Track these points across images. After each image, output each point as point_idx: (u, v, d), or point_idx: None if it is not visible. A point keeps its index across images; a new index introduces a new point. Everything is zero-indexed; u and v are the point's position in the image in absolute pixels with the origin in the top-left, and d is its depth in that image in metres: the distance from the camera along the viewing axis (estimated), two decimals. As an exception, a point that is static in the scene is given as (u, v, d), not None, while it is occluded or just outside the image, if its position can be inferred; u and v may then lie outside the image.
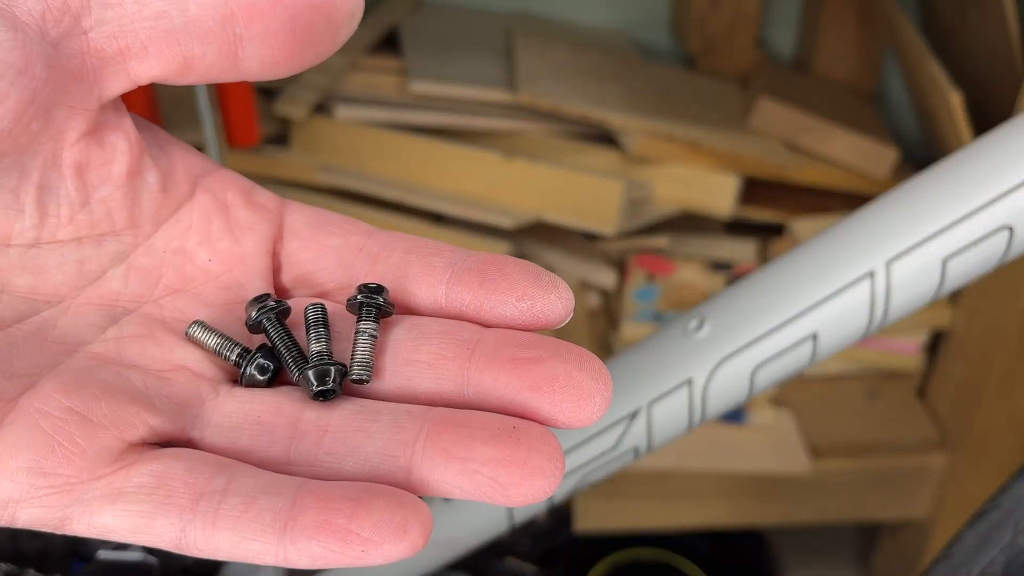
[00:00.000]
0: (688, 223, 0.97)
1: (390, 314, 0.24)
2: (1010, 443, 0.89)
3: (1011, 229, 0.35)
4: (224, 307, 0.24)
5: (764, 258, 0.96)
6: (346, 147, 0.90)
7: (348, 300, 0.24)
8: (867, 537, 1.09)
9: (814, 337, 0.38)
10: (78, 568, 0.49)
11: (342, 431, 0.21)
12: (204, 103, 0.70)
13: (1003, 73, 0.82)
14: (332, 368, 0.22)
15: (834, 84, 1.06)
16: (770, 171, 0.93)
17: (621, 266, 0.94)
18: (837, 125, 0.94)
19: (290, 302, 0.25)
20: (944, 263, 0.36)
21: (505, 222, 0.87)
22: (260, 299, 0.24)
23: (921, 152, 1.04)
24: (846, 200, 0.96)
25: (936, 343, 0.93)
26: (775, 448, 0.87)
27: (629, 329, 0.88)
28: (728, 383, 0.40)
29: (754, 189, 0.96)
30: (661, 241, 0.95)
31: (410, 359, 0.23)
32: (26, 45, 0.20)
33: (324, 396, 0.22)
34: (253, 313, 0.23)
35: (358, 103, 0.90)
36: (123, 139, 0.23)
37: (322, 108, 0.90)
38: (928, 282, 0.37)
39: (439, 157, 0.89)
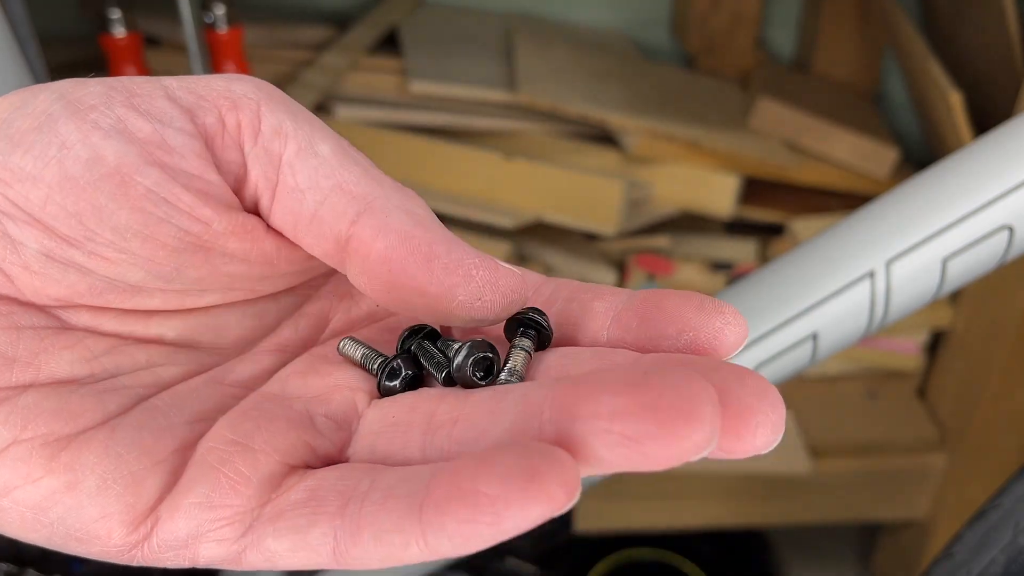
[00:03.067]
0: (688, 223, 0.97)
1: (548, 339, 0.22)
2: (1010, 443, 0.89)
3: (1011, 229, 0.35)
4: (386, 347, 0.24)
5: (764, 258, 0.96)
6: (346, 147, 0.90)
7: (506, 322, 0.22)
8: (867, 537, 1.09)
9: (814, 337, 0.38)
10: (78, 568, 0.49)
11: (472, 417, 0.20)
12: (204, 103, 0.70)
13: (1003, 73, 0.82)
14: (484, 342, 0.21)
15: (834, 84, 1.06)
16: (770, 171, 0.93)
17: (621, 266, 0.94)
18: (837, 125, 0.94)
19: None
20: (944, 263, 0.36)
21: (505, 222, 0.87)
22: (412, 328, 0.24)
23: (921, 152, 1.04)
24: (846, 200, 0.96)
25: (936, 343, 0.93)
26: (775, 448, 0.87)
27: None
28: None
29: (754, 189, 0.96)
30: (661, 241, 0.95)
31: (559, 376, 0.21)
32: (200, 153, 0.21)
33: (486, 373, 0.21)
34: (403, 336, 0.23)
35: (358, 103, 0.90)
36: None
37: (322, 108, 0.90)
38: (928, 282, 0.37)
39: (439, 157, 0.89)
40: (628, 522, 0.89)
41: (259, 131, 0.21)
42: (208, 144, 0.21)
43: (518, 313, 0.22)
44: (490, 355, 0.21)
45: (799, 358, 0.39)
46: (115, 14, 0.69)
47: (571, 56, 0.99)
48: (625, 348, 0.21)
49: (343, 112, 0.89)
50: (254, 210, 0.22)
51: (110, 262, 0.20)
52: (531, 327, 0.22)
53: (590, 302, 0.22)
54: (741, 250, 0.96)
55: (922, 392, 0.95)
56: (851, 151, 0.94)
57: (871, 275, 0.37)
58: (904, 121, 1.10)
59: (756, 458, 0.86)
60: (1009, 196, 0.35)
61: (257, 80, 0.22)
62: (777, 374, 0.40)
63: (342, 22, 1.04)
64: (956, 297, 0.89)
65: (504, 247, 0.88)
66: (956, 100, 0.79)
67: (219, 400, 0.22)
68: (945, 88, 0.80)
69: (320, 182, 0.21)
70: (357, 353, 0.23)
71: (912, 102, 1.03)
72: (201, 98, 0.21)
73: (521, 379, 0.21)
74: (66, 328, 0.21)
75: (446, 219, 0.91)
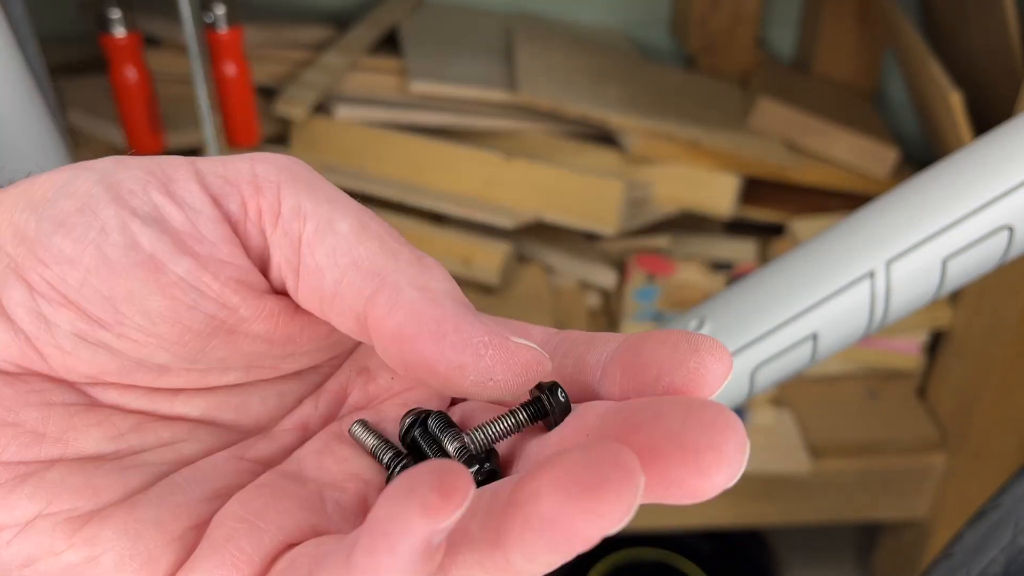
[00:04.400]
0: (688, 223, 0.97)
1: (561, 413, 0.21)
2: (1010, 443, 0.89)
3: (1011, 229, 0.35)
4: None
5: (764, 258, 0.96)
6: (346, 147, 0.90)
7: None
8: (867, 537, 1.09)
9: (814, 337, 0.38)
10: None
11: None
12: (204, 103, 0.70)
13: (1003, 73, 0.82)
14: (477, 454, 0.21)
15: (834, 84, 1.06)
16: (770, 171, 0.93)
17: (621, 266, 0.94)
18: (837, 125, 0.94)
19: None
20: (944, 263, 0.36)
21: (505, 222, 0.87)
22: (411, 411, 0.23)
23: (921, 152, 1.04)
24: (846, 200, 0.96)
25: (936, 343, 0.93)
26: (775, 448, 0.87)
27: (629, 329, 0.88)
28: (728, 383, 0.40)
29: (754, 189, 0.96)
30: (661, 241, 0.95)
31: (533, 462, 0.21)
32: (230, 239, 0.22)
33: (485, 482, 0.21)
34: (403, 426, 0.23)
35: (358, 103, 0.90)
36: None
37: (322, 108, 0.90)
38: (928, 282, 0.37)
39: (439, 157, 0.89)
40: (628, 522, 0.89)
41: (279, 213, 0.22)
42: (235, 230, 0.22)
43: (535, 390, 0.22)
44: (486, 466, 0.21)
45: (799, 358, 0.39)
46: (115, 14, 0.69)
47: (571, 56, 0.99)
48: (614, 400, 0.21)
49: (343, 112, 0.89)
50: (282, 290, 0.23)
51: (139, 344, 0.21)
52: (531, 405, 0.22)
53: (583, 356, 0.22)
54: (741, 250, 0.96)
55: (922, 392, 0.95)
56: (851, 151, 0.94)
57: (871, 275, 0.37)
58: (904, 121, 1.10)
59: (756, 458, 0.86)
60: (1009, 196, 0.35)
61: (280, 158, 0.23)
62: (777, 374, 0.40)
63: (342, 22, 1.04)
64: (956, 297, 0.89)
65: (504, 247, 0.88)
66: (956, 100, 0.79)
67: (237, 477, 0.23)
68: (945, 88, 0.80)
69: (338, 260, 0.22)
70: (368, 441, 0.23)
71: (912, 102, 1.03)
72: (227, 183, 0.22)
73: (480, 449, 0.22)
74: (94, 405, 0.22)
75: (446, 219, 0.91)
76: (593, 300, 0.94)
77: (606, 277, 0.93)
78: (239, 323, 0.22)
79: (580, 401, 0.22)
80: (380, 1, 1.05)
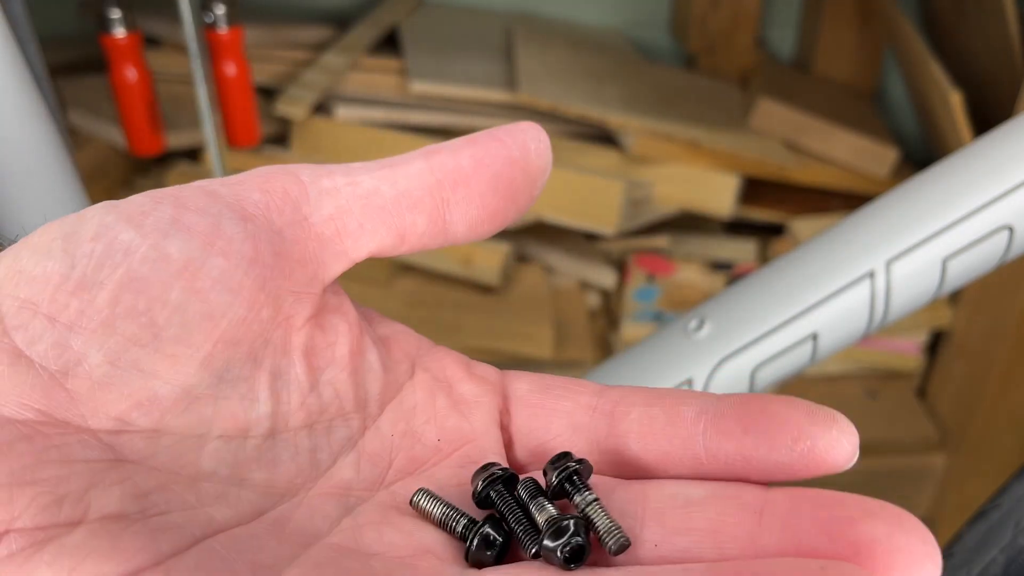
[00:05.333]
0: (688, 223, 0.97)
1: (589, 472, 0.21)
2: (1010, 443, 0.89)
3: (1011, 229, 0.35)
4: (460, 488, 0.23)
5: (764, 258, 0.96)
6: (346, 147, 0.90)
7: (547, 482, 0.21)
8: (867, 537, 1.09)
9: (814, 337, 0.38)
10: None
11: None
12: (204, 103, 0.70)
13: (1003, 73, 0.82)
14: (572, 522, 0.19)
15: (834, 84, 1.06)
16: (770, 171, 0.93)
17: (621, 266, 0.94)
18: (837, 125, 0.94)
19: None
20: (944, 263, 0.36)
21: (505, 222, 0.87)
22: (486, 467, 0.22)
23: (921, 152, 1.04)
24: (846, 200, 0.96)
25: (936, 343, 0.93)
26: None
27: (629, 329, 0.88)
28: (728, 383, 0.40)
29: (754, 189, 0.96)
30: (661, 241, 0.95)
31: (682, 528, 0.20)
32: (255, 235, 0.21)
33: (574, 558, 0.19)
34: (479, 483, 0.21)
35: (358, 103, 0.90)
36: (343, 320, 0.23)
37: (322, 108, 0.90)
38: (928, 282, 0.37)
39: (439, 157, 0.89)
40: None
41: (304, 190, 0.22)
42: (259, 224, 0.22)
43: (552, 470, 0.21)
44: (580, 540, 0.20)
45: (799, 358, 0.39)
46: (115, 14, 0.69)
47: (571, 56, 0.99)
48: (729, 459, 0.20)
49: (343, 112, 0.89)
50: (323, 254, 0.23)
51: (174, 360, 0.20)
52: (571, 473, 0.21)
53: (674, 407, 0.22)
54: (741, 250, 0.96)
55: (922, 392, 0.95)
56: (851, 151, 0.94)
57: (871, 275, 0.37)
58: (904, 121, 1.10)
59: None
60: (1009, 196, 0.35)
61: (284, 165, 0.23)
62: (777, 374, 0.40)
63: (342, 22, 1.04)
64: (956, 297, 0.89)
65: (504, 247, 0.88)
66: (956, 100, 0.79)
67: (282, 550, 0.20)
68: (945, 88, 0.80)
69: (389, 177, 0.23)
70: (435, 510, 0.21)
71: (912, 102, 1.03)
72: (238, 183, 0.22)
73: (623, 535, 0.20)
74: (119, 461, 0.20)
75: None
76: (593, 300, 0.94)
77: (606, 277, 0.93)
78: (267, 325, 0.21)
79: (681, 460, 0.21)
80: (380, 1, 1.05)
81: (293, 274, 0.22)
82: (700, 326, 0.40)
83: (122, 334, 0.20)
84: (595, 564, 0.20)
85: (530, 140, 0.23)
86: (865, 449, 0.89)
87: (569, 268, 0.94)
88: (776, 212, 0.97)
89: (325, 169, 0.23)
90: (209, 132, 0.71)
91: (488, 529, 0.21)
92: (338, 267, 0.23)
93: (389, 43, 0.99)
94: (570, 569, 0.20)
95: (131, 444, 0.20)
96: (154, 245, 0.20)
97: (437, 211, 0.23)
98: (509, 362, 0.85)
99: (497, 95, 0.91)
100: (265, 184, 0.22)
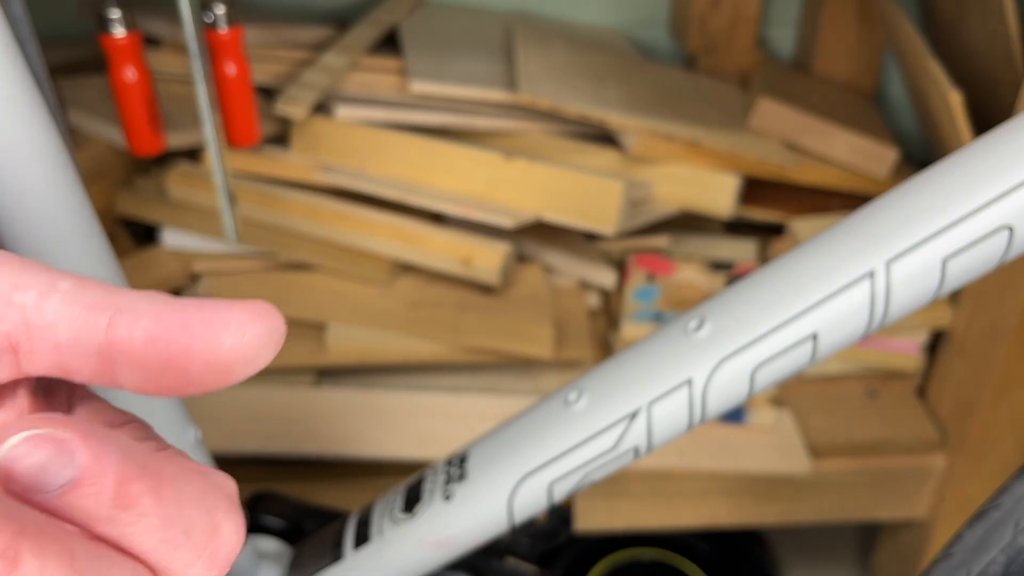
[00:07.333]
0: (688, 223, 0.97)
1: None
2: (1010, 443, 0.89)
3: (1011, 229, 0.35)
4: None
5: (764, 258, 0.96)
6: (346, 147, 0.90)
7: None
8: (867, 537, 1.09)
9: (814, 337, 0.38)
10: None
11: None
12: (204, 103, 0.70)
13: (1003, 73, 0.82)
14: None
15: (834, 84, 1.06)
16: (770, 171, 0.93)
17: (621, 266, 0.94)
18: (837, 125, 0.94)
19: None
20: (944, 263, 0.36)
21: (505, 222, 0.87)
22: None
23: (921, 152, 1.04)
24: (846, 200, 0.96)
25: (936, 343, 0.93)
26: (775, 448, 0.87)
27: (629, 329, 0.88)
28: (728, 383, 0.40)
29: (754, 189, 0.96)
30: (661, 241, 0.95)
31: None
32: None
33: None
34: None
35: (358, 103, 0.90)
36: None
37: (322, 108, 0.90)
38: (928, 282, 0.37)
39: (439, 157, 0.89)
40: (628, 522, 0.89)
41: None
42: None
43: None
44: None
45: (799, 358, 0.39)
46: (115, 14, 0.69)
47: (571, 56, 0.99)
48: None
49: (343, 112, 0.89)
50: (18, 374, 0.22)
51: None
52: None
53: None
54: (741, 250, 0.96)
55: (922, 392, 0.95)
56: (851, 151, 0.94)
57: (871, 275, 0.37)
58: (904, 121, 1.10)
59: (756, 458, 0.86)
60: (1009, 196, 0.35)
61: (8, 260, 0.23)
62: (777, 374, 0.40)
63: (342, 22, 1.04)
64: (956, 297, 0.89)
65: (504, 247, 0.88)
66: (956, 100, 0.79)
67: None
68: (945, 88, 0.80)
69: (69, 308, 0.22)
70: None
71: (912, 102, 1.03)
72: None
73: None
74: None
75: (446, 219, 0.91)
76: (593, 300, 0.94)
77: (606, 277, 0.93)
78: None
79: None
80: (380, 1, 1.05)
81: None
82: (700, 326, 0.40)
83: None
84: None
85: (229, 334, 0.21)
86: (865, 449, 0.89)
87: (569, 268, 0.94)
88: (776, 212, 0.97)
89: (38, 279, 0.22)
90: (209, 132, 0.71)
91: None
92: (3, 374, 0.23)
93: (389, 43, 0.99)
94: None
95: None
96: None
97: (105, 367, 0.22)
98: (509, 362, 0.85)
99: (497, 95, 0.91)
100: None
